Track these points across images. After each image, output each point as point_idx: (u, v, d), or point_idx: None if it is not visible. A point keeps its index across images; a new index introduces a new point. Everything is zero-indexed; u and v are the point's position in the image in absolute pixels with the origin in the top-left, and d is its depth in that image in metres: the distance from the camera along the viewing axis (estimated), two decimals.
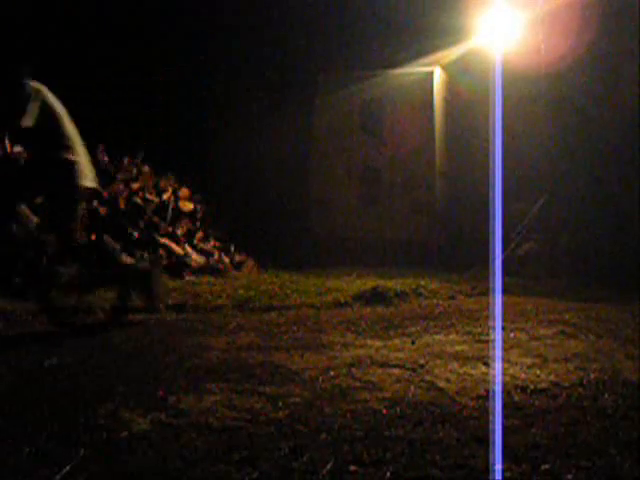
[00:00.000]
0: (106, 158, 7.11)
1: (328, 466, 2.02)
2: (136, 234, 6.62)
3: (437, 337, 4.02)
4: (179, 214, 7.53)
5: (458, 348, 3.69)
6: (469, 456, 2.10)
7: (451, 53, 8.76)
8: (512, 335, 4.06)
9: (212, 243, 7.87)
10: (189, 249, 7.18)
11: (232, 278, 6.70)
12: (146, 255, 6.47)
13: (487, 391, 2.82)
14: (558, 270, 7.15)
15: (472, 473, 1.99)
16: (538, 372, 3.16)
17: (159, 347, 3.68)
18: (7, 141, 6.25)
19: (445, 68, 9.04)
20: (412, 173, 8.87)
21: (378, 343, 3.83)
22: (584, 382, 2.97)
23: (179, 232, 7.34)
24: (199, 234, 7.77)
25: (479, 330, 4.21)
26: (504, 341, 3.86)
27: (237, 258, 7.76)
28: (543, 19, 7.76)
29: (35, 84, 4.07)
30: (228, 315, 4.77)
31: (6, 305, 4.66)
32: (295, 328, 4.26)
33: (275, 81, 10.07)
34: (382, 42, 9.51)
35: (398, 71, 9.03)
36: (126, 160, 7.41)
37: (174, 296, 5.28)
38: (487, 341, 3.87)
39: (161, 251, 6.71)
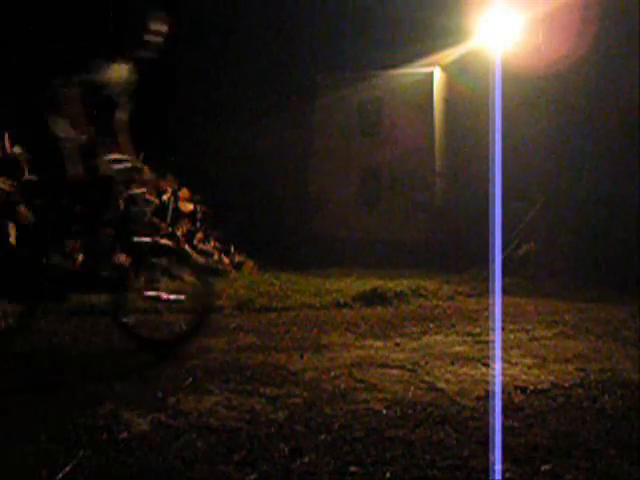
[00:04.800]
0: None
1: (328, 467, 2.02)
2: None
3: (437, 338, 4.02)
4: (179, 215, 7.53)
5: (458, 349, 3.69)
6: (469, 457, 2.10)
7: (451, 53, 8.77)
8: (512, 336, 4.06)
9: (212, 244, 7.87)
10: (189, 250, 7.18)
11: (232, 279, 6.69)
12: None
13: (487, 392, 2.82)
14: (558, 270, 7.15)
15: (472, 474, 1.99)
16: (538, 373, 3.16)
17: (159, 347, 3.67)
18: (7, 141, 6.25)
19: (445, 68, 9.04)
20: (412, 173, 8.87)
21: (378, 344, 3.83)
22: (584, 383, 2.97)
23: (179, 233, 7.35)
24: (199, 235, 7.77)
25: (479, 331, 4.22)
26: (504, 342, 3.86)
27: (237, 259, 7.76)
28: (543, 20, 7.76)
29: None
30: (228, 315, 4.76)
31: (6, 305, 4.65)
32: (295, 329, 4.25)
33: (275, 82, 10.07)
34: (382, 42, 9.50)
35: (398, 71, 9.04)
36: None
37: None
38: (487, 342, 3.87)
39: None
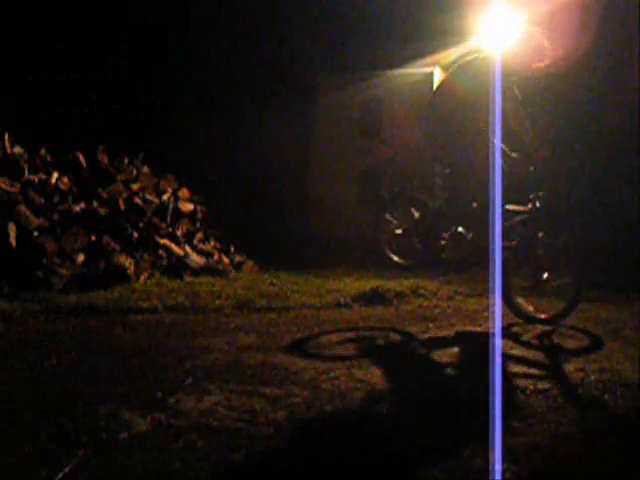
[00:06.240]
0: (106, 159, 7.11)
1: (328, 467, 2.02)
2: (136, 234, 6.62)
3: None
4: (179, 215, 7.53)
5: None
6: (469, 456, 2.10)
7: (451, 53, 8.77)
8: (512, 335, 4.06)
9: (212, 244, 7.87)
10: (189, 250, 7.18)
11: (232, 279, 6.69)
12: (146, 256, 6.46)
13: (487, 392, 2.82)
14: (558, 270, 7.12)
15: (472, 474, 1.99)
16: (538, 373, 3.16)
17: (159, 348, 3.67)
18: (7, 141, 6.25)
19: (445, 68, 9.04)
20: (411, 173, 8.87)
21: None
22: (584, 383, 2.97)
23: (179, 233, 7.35)
24: (199, 235, 7.77)
25: (479, 330, 4.22)
26: (504, 342, 3.86)
27: (237, 259, 7.76)
28: (543, 20, 7.77)
29: None
30: (228, 316, 4.76)
31: (6, 305, 4.66)
32: (295, 329, 4.25)
33: (275, 82, 10.08)
34: (382, 42, 9.50)
35: (398, 71, 9.05)
36: (126, 161, 7.42)
37: (174, 297, 5.28)
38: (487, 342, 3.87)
39: (161, 252, 6.71)
